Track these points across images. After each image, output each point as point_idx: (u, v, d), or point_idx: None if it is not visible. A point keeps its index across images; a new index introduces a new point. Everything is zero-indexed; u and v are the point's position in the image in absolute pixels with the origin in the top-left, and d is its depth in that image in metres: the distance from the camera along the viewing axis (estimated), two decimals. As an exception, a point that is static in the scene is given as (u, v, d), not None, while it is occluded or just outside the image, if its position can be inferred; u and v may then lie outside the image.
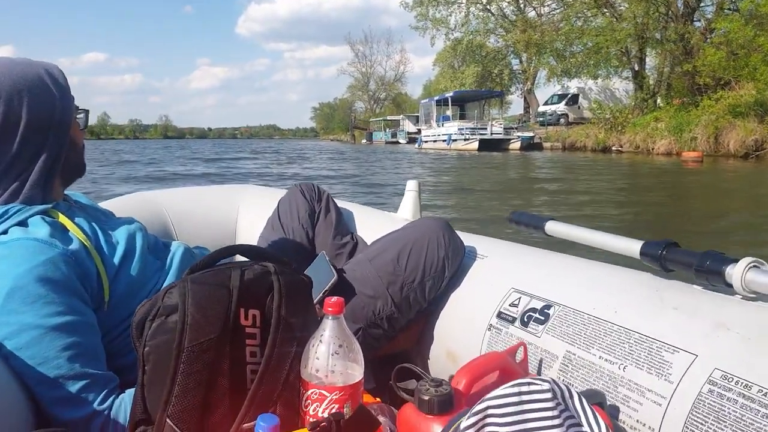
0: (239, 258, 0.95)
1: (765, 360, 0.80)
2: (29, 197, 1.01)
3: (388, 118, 60.40)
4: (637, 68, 26.15)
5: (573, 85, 33.43)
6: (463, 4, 37.89)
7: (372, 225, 1.71)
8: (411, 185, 1.76)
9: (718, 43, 19.78)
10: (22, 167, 1.01)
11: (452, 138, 29.19)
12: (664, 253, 1.02)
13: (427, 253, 1.28)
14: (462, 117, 32.06)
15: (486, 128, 29.14)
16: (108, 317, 1.00)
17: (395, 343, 1.34)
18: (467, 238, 1.41)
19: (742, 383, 0.78)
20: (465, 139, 28.35)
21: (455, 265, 1.32)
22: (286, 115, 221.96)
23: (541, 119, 31.96)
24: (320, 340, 0.79)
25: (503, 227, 3.84)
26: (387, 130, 56.33)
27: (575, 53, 28.10)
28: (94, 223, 1.06)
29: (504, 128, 29.27)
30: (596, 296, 1.07)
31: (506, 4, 35.33)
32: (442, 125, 31.90)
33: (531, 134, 28.84)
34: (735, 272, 0.90)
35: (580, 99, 33.48)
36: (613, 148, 23.28)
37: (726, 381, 0.80)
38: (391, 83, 75.66)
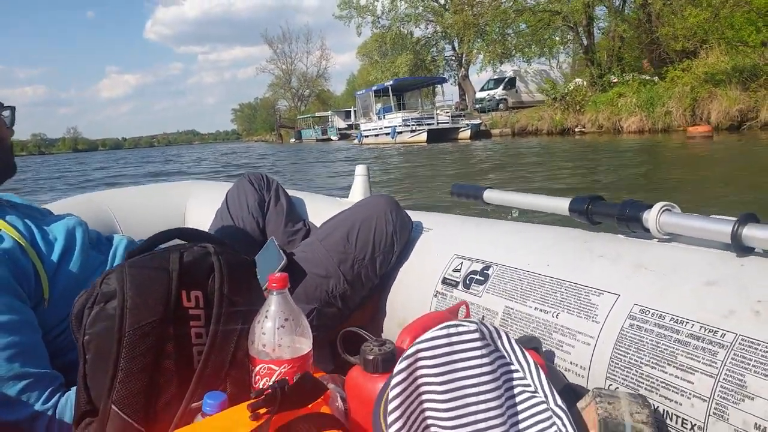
0: (179, 242, 0.92)
1: (675, 291, 0.86)
2: None
3: (317, 114, 56.95)
4: (586, 42, 24.25)
5: (508, 69, 31.66)
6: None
7: (323, 211, 1.66)
8: (360, 170, 1.76)
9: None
10: None
11: (397, 131, 26.44)
12: (589, 207, 1.06)
13: (375, 229, 1.28)
14: (401, 107, 29.25)
15: (433, 118, 26.55)
16: (49, 315, 0.97)
17: (351, 321, 1.29)
18: (414, 215, 1.44)
19: (657, 314, 0.85)
20: (411, 131, 25.65)
21: (403, 239, 1.32)
22: (205, 120, 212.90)
23: (479, 106, 29.73)
24: (266, 316, 0.78)
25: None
26: (316, 126, 53.10)
27: (521, 31, 25.93)
28: (28, 221, 1.03)
29: (451, 117, 26.75)
30: (530, 253, 1.11)
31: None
32: (384, 117, 28.89)
33: (478, 121, 26.55)
34: (650, 217, 0.95)
35: (518, 82, 31.73)
36: (577, 130, 21.28)
37: (643, 314, 0.86)
38: (315, 79, 71.82)
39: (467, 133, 25.18)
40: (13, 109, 1.09)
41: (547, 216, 1.25)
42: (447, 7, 33.24)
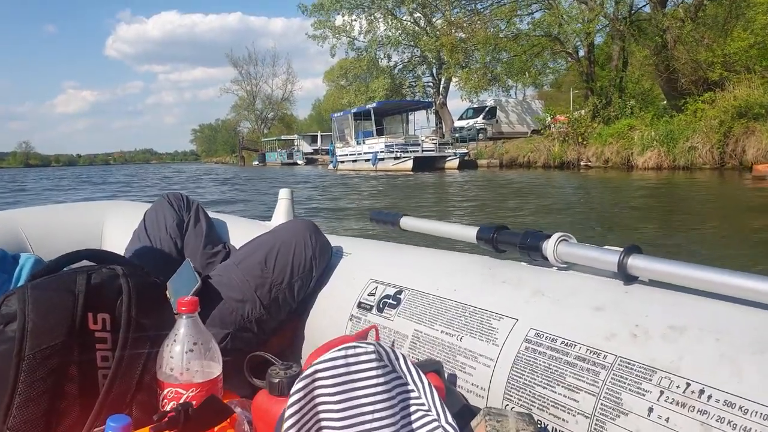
0: (88, 264, 0.88)
1: (567, 316, 0.88)
2: None
3: (282, 137, 53.69)
4: (585, 69, 22.15)
5: (487, 99, 29.57)
6: (368, 10, 32.73)
7: (244, 234, 1.55)
8: (283, 193, 1.70)
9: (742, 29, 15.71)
10: None
11: (378, 157, 23.63)
12: (495, 235, 1.08)
13: (294, 253, 1.23)
14: (380, 132, 26.49)
15: (419, 145, 23.87)
16: None
17: (268, 345, 1.22)
18: (334, 239, 1.40)
19: (549, 338, 0.86)
20: (395, 158, 22.86)
21: (323, 264, 1.28)
22: (163, 139, 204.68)
23: (458, 135, 27.31)
24: (174, 339, 0.75)
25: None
26: (281, 150, 49.92)
27: (513, 57, 23.64)
28: None
29: (439, 144, 24.12)
30: (440, 278, 1.12)
31: (416, 6, 30.43)
32: (363, 142, 26.03)
33: (465, 151, 24.06)
34: (549, 246, 0.98)
35: (498, 112, 29.62)
36: (582, 163, 18.95)
37: (538, 338, 0.88)
38: (279, 102, 68.65)
39: (455, 163, 22.60)
40: None
41: (457, 243, 1.22)
42: (428, 30, 31.00)
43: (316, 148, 49.28)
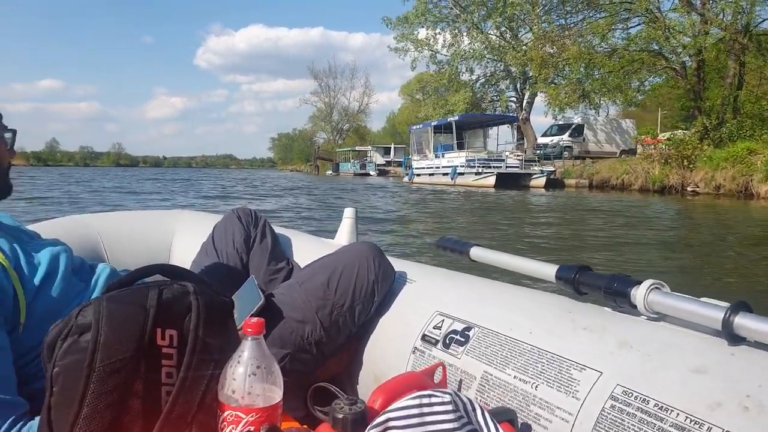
0: (161, 278, 0.89)
1: (661, 375, 0.80)
2: None
3: (357, 148, 53.47)
4: (693, 87, 20.10)
5: (574, 115, 27.78)
6: (453, 23, 31.78)
7: (308, 251, 1.58)
8: (348, 212, 1.69)
9: None
10: None
11: (458, 171, 22.48)
12: (576, 276, 1.01)
13: (357, 277, 1.20)
14: (460, 146, 25.33)
15: (503, 160, 22.52)
16: (23, 340, 0.91)
17: (326, 368, 1.24)
18: (398, 264, 1.35)
19: (640, 398, 0.79)
20: (477, 174, 21.64)
21: (385, 289, 1.24)
22: (242, 146, 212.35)
23: (540, 152, 25.66)
24: (238, 362, 0.75)
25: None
26: (354, 160, 49.70)
27: (613, 70, 21.88)
28: (15, 244, 0.98)
29: (524, 161, 22.65)
30: (513, 318, 1.06)
31: (502, 20, 29.18)
32: (442, 156, 24.95)
33: (552, 169, 22.47)
34: (638, 294, 0.90)
35: (585, 130, 27.75)
36: (688, 189, 17.03)
37: (626, 396, 0.81)
38: (355, 114, 69.05)
39: (541, 181, 21.09)
40: (14, 132, 1.06)
41: (532, 279, 1.15)
42: (514, 44, 29.67)
43: (389, 159, 48.83)
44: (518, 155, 23.13)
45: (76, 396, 0.71)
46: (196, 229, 1.76)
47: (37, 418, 0.79)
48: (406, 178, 27.99)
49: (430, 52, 33.17)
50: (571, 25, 26.50)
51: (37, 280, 0.96)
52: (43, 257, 1.00)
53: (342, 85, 69.20)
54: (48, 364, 0.75)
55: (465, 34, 31.65)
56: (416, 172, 26.62)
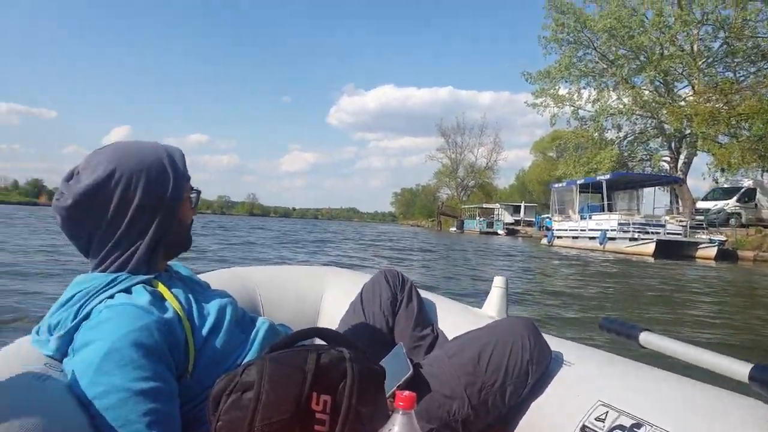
0: (318, 340, 0.93)
1: None
2: (135, 268, 1.02)
3: (483, 205, 52.00)
4: None
5: (743, 179, 24.38)
6: (599, 78, 29.97)
7: (454, 319, 1.56)
8: (498, 281, 1.62)
9: None
10: (131, 242, 1.02)
11: (608, 236, 20.24)
12: None
13: (510, 355, 1.14)
14: (608, 208, 23.00)
15: (662, 225, 19.99)
16: (189, 387, 0.95)
17: None
18: (553, 343, 1.26)
19: None
20: (631, 239, 19.30)
21: (540, 370, 1.17)
22: (365, 200, 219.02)
23: (700, 218, 22.48)
24: None
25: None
26: (480, 218, 48.21)
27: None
28: (189, 294, 1.05)
29: (689, 227, 19.92)
30: (693, 419, 0.94)
31: (656, 73, 26.87)
32: (590, 217, 22.81)
33: (723, 238, 19.48)
34: None
35: (758, 194, 24.16)
36: None
37: None
38: (482, 171, 67.82)
39: (711, 252, 18.23)
40: (198, 192, 1.13)
41: (712, 374, 0.99)
42: (668, 100, 27.14)
43: (518, 218, 46.87)
44: (681, 221, 20.38)
45: None
46: (345, 287, 1.79)
47: None
48: (544, 240, 25.94)
49: (572, 107, 31.48)
50: (741, 78, 23.68)
51: (205, 331, 1.00)
52: (212, 308, 1.05)
53: (469, 141, 68.81)
54: (212, 416, 0.79)
55: (612, 89, 29.69)
56: (557, 234, 24.55)
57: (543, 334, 1.21)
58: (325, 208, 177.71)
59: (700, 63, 26.19)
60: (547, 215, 39.67)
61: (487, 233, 43.31)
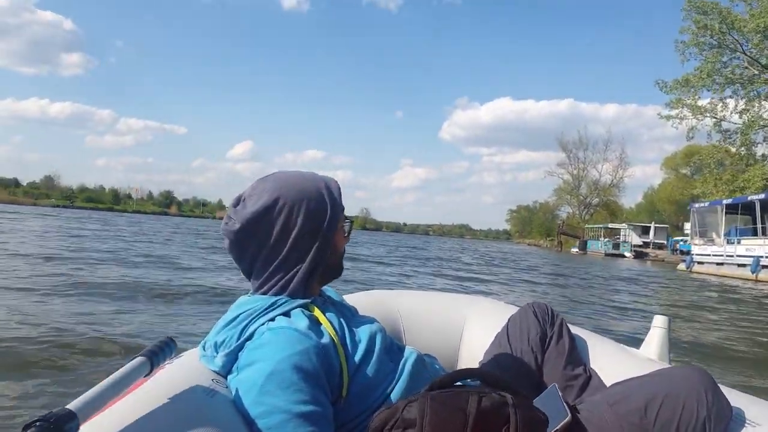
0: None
1: None
2: (294, 292, 1.06)
3: (609, 225, 48.69)
4: None
5: None
6: (748, 86, 26.87)
7: (610, 360, 1.45)
8: (659, 321, 1.52)
9: None
10: (291, 267, 1.06)
11: (761, 263, 17.76)
12: None
13: (683, 410, 1.03)
14: (762, 232, 20.19)
15: (836, 254, 17.23)
16: (341, 412, 0.97)
17: None
18: (732, 397, 1.11)
19: None
20: (793, 268, 16.77)
21: (718, 430, 1.04)
22: (478, 216, 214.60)
23: None
24: None
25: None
26: (605, 239, 45.15)
27: None
28: (342, 320, 1.07)
29: None
30: None
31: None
32: (739, 242, 20.26)
33: None
34: None
35: None
36: None
37: None
38: (606, 188, 63.83)
39: None
40: (352, 222, 1.18)
41: None
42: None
43: (647, 240, 43.36)
44: None
45: None
46: (488, 317, 1.76)
47: None
48: (681, 265, 23.44)
49: (714, 119, 28.48)
50: None
51: (357, 357, 1.01)
52: (363, 335, 1.06)
53: (593, 157, 65.17)
54: None
55: (765, 97, 26.46)
56: (698, 259, 22.05)
57: (720, 386, 1.10)
58: (436, 224, 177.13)
59: None
60: (681, 238, 36.23)
61: (613, 255, 40.44)
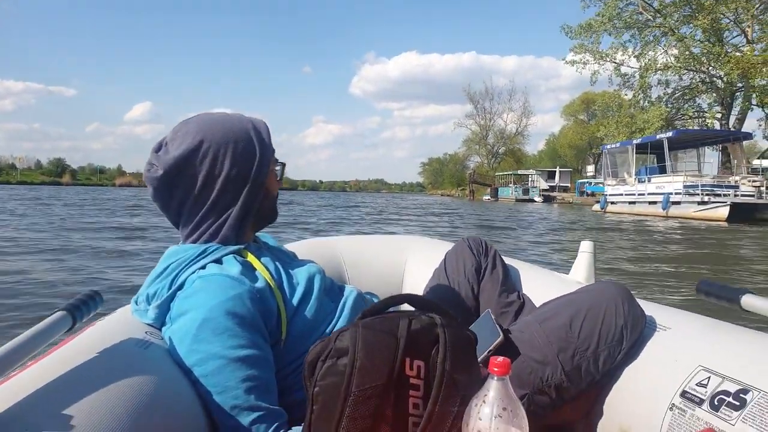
0: (406, 307, 0.92)
1: None
2: (225, 238, 1.03)
3: (518, 172, 49.96)
4: None
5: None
6: (644, 29, 27.62)
7: (540, 285, 1.51)
8: (585, 246, 1.55)
9: None
10: (220, 213, 1.03)
11: (671, 200, 18.47)
12: None
13: (603, 320, 1.11)
14: (662, 170, 21.08)
15: (735, 186, 18.12)
16: (282, 354, 0.98)
17: (561, 413, 1.15)
18: (647, 307, 1.20)
19: None
20: (700, 203, 17.52)
21: (634, 336, 1.12)
22: (393, 171, 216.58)
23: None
24: (483, 401, 0.73)
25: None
26: (515, 185, 46.36)
27: None
28: (278, 264, 1.06)
29: (763, 188, 18.01)
30: None
31: (708, 22, 24.46)
32: (648, 180, 20.99)
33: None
34: None
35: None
36: None
37: None
38: (512, 137, 65.59)
39: (791, 213, 16.44)
40: (283, 165, 1.14)
41: None
42: (721, 51, 24.75)
43: (553, 184, 45.03)
44: (754, 181, 18.44)
45: (334, 417, 0.73)
46: (428, 255, 1.77)
47: (294, 429, 0.87)
48: (596, 206, 24.20)
49: (614, 63, 29.23)
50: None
51: (295, 300, 1.02)
52: (301, 277, 1.06)
53: (498, 107, 66.40)
54: (308, 381, 0.79)
55: (657, 41, 27.35)
56: (611, 199, 22.79)
57: (636, 299, 1.16)
58: (353, 180, 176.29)
59: (754, 9, 23.74)
60: (586, 180, 37.69)
61: (523, 200, 41.64)
